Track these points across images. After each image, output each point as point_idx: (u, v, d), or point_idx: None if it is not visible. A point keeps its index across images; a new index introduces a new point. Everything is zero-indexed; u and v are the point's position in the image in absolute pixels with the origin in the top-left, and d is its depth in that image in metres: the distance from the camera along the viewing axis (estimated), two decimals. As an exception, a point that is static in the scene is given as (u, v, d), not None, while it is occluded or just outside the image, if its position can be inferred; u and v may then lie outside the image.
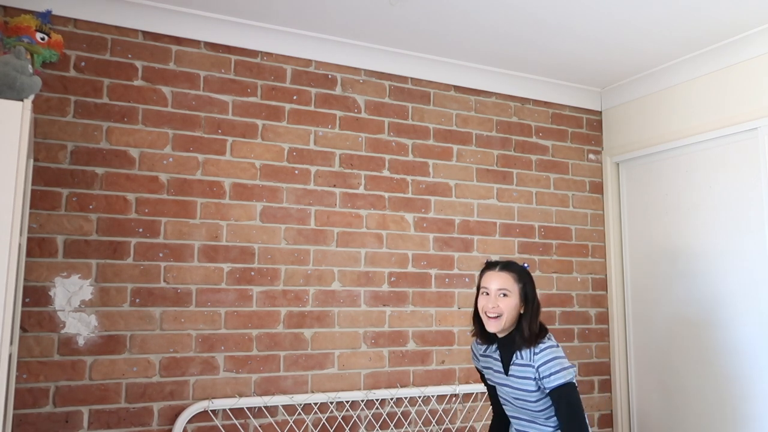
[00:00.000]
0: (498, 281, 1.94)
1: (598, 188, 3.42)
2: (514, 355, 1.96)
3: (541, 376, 1.88)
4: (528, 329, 1.92)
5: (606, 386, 3.30)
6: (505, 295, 1.93)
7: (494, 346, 2.05)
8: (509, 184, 3.17)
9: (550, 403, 1.94)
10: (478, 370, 2.17)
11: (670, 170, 3.09)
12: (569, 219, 3.31)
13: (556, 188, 3.30)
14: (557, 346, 1.93)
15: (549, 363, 1.87)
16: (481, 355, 2.11)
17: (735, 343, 2.73)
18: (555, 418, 1.95)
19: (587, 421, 1.89)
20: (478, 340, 2.11)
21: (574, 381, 1.89)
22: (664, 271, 3.09)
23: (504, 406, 2.09)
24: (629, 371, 3.27)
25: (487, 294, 1.96)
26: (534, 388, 1.91)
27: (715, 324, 2.81)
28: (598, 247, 3.37)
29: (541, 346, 1.91)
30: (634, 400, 3.24)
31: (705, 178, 2.91)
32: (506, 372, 1.99)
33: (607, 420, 3.28)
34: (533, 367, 1.89)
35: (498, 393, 2.08)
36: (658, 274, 3.12)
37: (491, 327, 1.94)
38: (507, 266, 1.98)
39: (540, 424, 1.98)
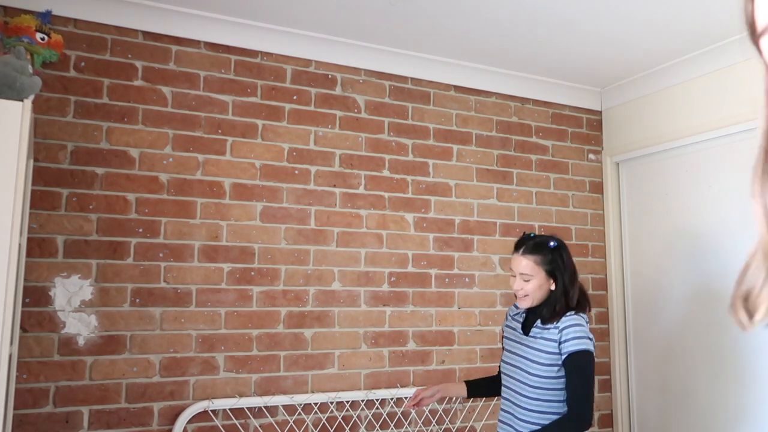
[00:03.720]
0: (519, 266, 1.99)
1: (598, 188, 3.42)
2: (539, 319, 2.01)
3: (562, 339, 1.89)
4: (564, 302, 1.95)
5: (606, 386, 3.30)
6: (527, 280, 1.98)
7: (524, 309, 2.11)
8: (509, 184, 3.17)
9: (548, 385, 1.91)
10: (502, 332, 2.22)
11: (671, 170, 3.09)
12: (569, 219, 3.31)
13: (556, 188, 3.30)
14: (587, 323, 1.95)
15: (574, 327, 1.90)
16: (512, 317, 2.17)
17: (736, 343, 2.73)
18: (541, 414, 1.93)
19: (593, 400, 1.87)
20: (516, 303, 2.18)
21: (594, 353, 1.91)
22: (664, 271, 3.09)
23: (503, 380, 2.09)
24: (629, 371, 3.27)
25: (514, 276, 2.02)
26: (547, 351, 1.92)
27: (716, 324, 2.81)
28: (598, 247, 3.37)
29: (572, 315, 1.94)
30: (634, 400, 3.24)
31: (705, 178, 2.91)
32: (526, 332, 2.03)
33: (607, 420, 3.28)
34: (557, 328, 1.92)
35: (502, 361, 2.10)
36: (658, 274, 3.12)
37: (522, 305, 2.02)
38: (530, 250, 1.99)
39: (520, 418, 1.96)
